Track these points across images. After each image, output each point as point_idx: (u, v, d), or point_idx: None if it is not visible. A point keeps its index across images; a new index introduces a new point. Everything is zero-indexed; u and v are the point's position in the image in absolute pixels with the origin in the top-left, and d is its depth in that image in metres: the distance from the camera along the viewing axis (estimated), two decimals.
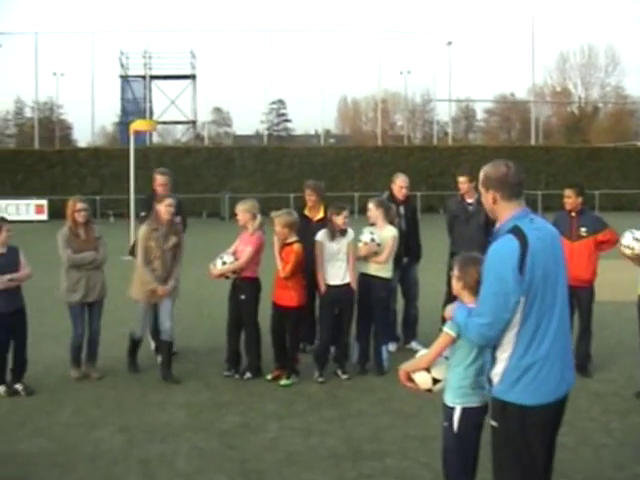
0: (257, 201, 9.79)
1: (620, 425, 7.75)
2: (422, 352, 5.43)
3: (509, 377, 4.46)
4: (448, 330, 4.98)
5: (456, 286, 5.15)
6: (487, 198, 4.68)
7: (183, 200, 11.12)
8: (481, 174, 4.73)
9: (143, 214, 10.35)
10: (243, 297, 9.50)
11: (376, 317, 9.83)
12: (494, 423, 4.62)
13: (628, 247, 8.67)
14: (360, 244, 9.53)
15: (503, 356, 4.49)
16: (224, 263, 9.41)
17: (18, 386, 8.95)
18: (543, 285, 4.40)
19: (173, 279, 9.59)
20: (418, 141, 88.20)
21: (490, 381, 4.62)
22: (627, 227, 8.88)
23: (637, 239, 8.54)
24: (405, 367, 5.31)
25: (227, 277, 9.51)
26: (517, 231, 4.41)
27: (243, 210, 9.56)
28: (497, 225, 4.68)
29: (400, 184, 10.87)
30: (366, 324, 9.82)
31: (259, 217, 9.59)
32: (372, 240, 9.46)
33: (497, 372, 4.54)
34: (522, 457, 4.53)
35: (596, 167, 48.83)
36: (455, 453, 5.17)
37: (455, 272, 5.15)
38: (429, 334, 10.86)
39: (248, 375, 9.54)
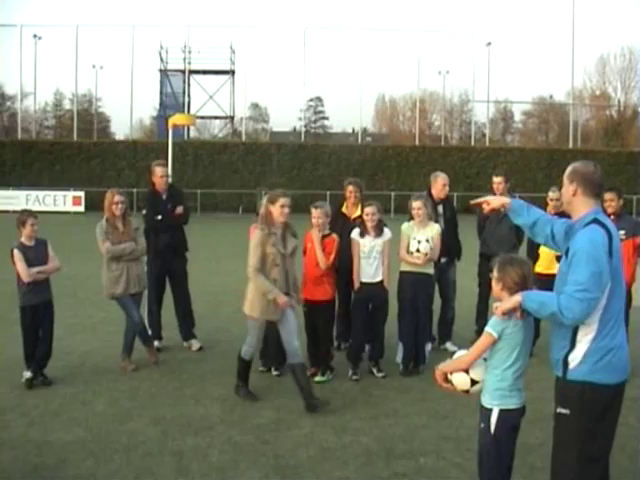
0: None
1: None
2: (460, 353, 5.39)
3: (593, 358, 4.74)
4: (491, 331, 4.95)
5: (495, 287, 5.12)
6: (568, 190, 5.00)
7: (183, 190, 11.26)
8: (569, 168, 5.06)
9: (144, 212, 10.52)
10: None
11: (422, 314, 9.82)
12: (564, 411, 4.85)
13: None
14: (417, 253, 9.51)
15: (586, 338, 4.76)
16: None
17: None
18: (621, 273, 4.80)
19: (297, 289, 8.89)
20: (455, 142, 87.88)
21: (566, 364, 4.84)
22: None
23: None
24: (443, 367, 5.29)
25: None
26: (599, 222, 4.81)
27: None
28: (574, 218, 5.02)
29: (443, 182, 10.81)
30: (411, 323, 9.77)
31: None
32: (425, 246, 9.49)
33: (577, 355, 4.80)
34: (591, 443, 4.80)
35: (634, 172, 48.41)
36: (491, 455, 5.14)
37: (495, 273, 5.12)
38: (463, 335, 10.87)
39: (277, 372, 9.64)
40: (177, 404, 8.38)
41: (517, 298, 4.85)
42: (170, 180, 10.89)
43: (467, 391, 5.24)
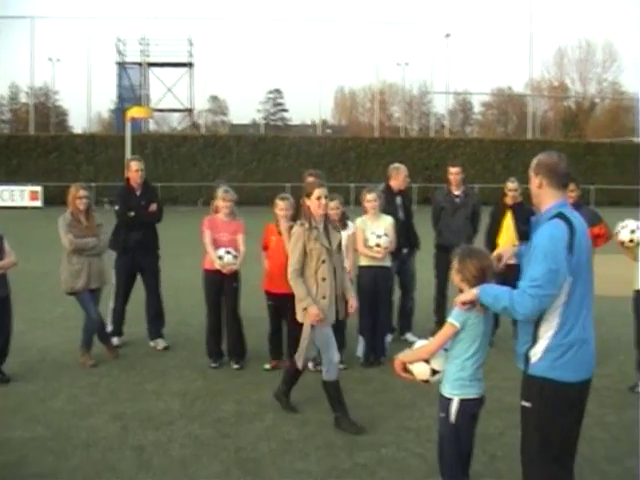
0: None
1: (615, 419, 7.76)
2: (420, 343, 5.42)
3: (552, 355, 4.70)
4: (453, 321, 4.99)
5: (455, 278, 5.17)
6: (534, 182, 4.94)
7: (158, 187, 11.12)
8: (534, 160, 5.00)
9: (117, 208, 10.38)
10: (235, 285, 9.59)
11: (382, 307, 9.88)
12: (527, 404, 4.83)
13: (630, 241, 8.64)
14: (377, 248, 9.54)
15: (547, 334, 4.72)
16: (235, 257, 9.39)
17: None
18: (585, 268, 4.73)
19: (350, 292, 8.00)
20: (415, 133, 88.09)
21: (527, 359, 4.80)
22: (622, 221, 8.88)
23: (633, 231, 8.54)
24: (403, 358, 5.31)
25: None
26: (563, 216, 4.73)
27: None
28: (541, 211, 4.93)
29: (405, 174, 10.84)
30: (371, 317, 9.82)
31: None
32: (384, 241, 9.51)
33: (538, 350, 4.76)
34: (552, 439, 4.74)
35: (592, 162, 48.95)
36: (451, 444, 5.19)
37: (455, 265, 5.15)
38: (423, 326, 10.92)
39: (237, 366, 9.59)
40: (137, 399, 8.34)
41: (474, 291, 4.89)
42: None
43: (427, 381, 5.28)
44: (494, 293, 4.81)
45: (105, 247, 9.80)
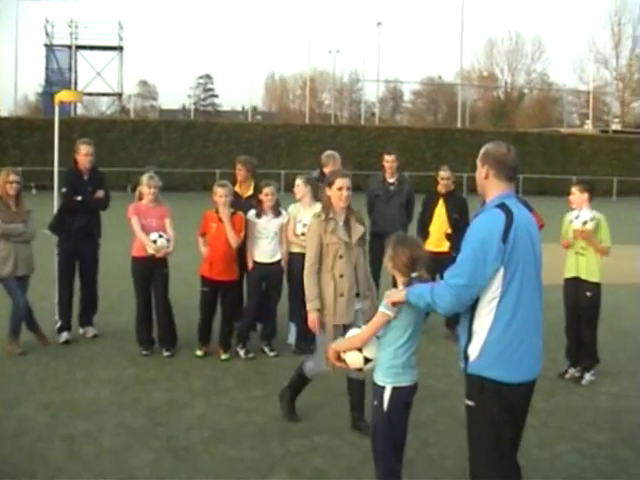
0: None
1: (544, 405, 7.87)
2: (353, 332, 5.43)
3: (489, 353, 4.51)
4: (385, 310, 4.98)
5: (388, 265, 5.17)
6: (481, 172, 4.78)
7: (104, 173, 10.86)
8: (482, 150, 4.83)
9: (64, 190, 10.05)
10: (165, 271, 9.53)
11: None
12: (470, 402, 4.65)
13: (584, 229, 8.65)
14: (302, 237, 9.49)
15: (481, 329, 4.53)
16: (168, 240, 9.31)
17: None
18: (524, 261, 4.52)
19: (370, 288, 7.27)
20: (345, 120, 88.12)
21: (466, 357, 4.63)
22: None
23: (585, 222, 8.57)
24: (337, 347, 5.32)
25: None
26: (504, 207, 4.55)
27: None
28: (487, 201, 4.76)
29: (340, 161, 10.82)
30: (301, 303, 9.80)
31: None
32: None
33: (475, 347, 4.58)
34: (499, 436, 4.56)
35: (521, 152, 48.49)
36: (384, 431, 5.19)
37: (387, 252, 5.16)
38: None
39: (168, 353, 9.50)
40: (67, 388, 8.20)
41: (402, 294, 4.87)
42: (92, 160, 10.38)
43: (360, 369, 5.29)
44: (418, 292, 4.74)
45: (34, 234, 9.57)
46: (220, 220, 9.22)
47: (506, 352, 4.49)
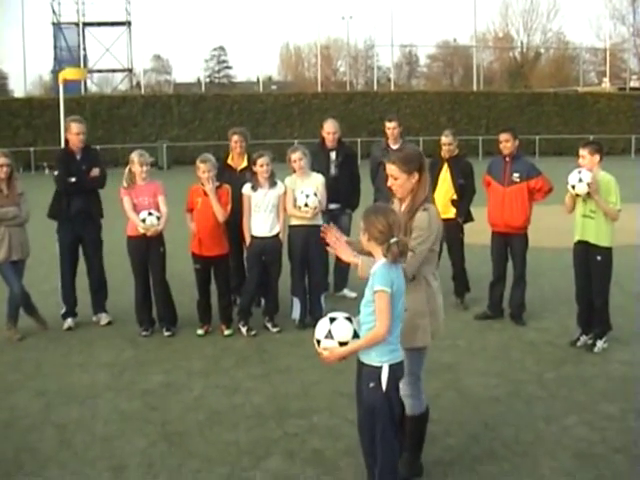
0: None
1: (553, 376, 7.62)
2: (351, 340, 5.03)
3: None
4: (383, 288, 4.67)
5: (362, 239, 4.86)
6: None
7: (99, 150, 10.57)
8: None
9: (57, 173, 9.71)
10: (162, 249, 9.34)
11: (316, 268, 9.70)
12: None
13: (572, 186, 8.30)
14: (305, 208, 9.28)
15: None
16: (158, 217, 9.09)
17: None
18: None
19: None
20: (361, 87, 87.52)
21: None
22: (567, 172, 8.55)
23: (581, 180, 8.22)
24: (343, 353, 4.94)
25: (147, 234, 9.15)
26: None
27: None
28: None
29: (328, 130, 10.63)
30: (304, 277, 9.65)
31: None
32: (313, 200, 9.25)
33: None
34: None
35: (537, 112, 49.14)
36: (385, 412, 4.88)
37: (361, 226, 4.86)
38: (360, 281, 10.65)
39: (168, 333, 9.32)
40: (63, 373, 8.03)
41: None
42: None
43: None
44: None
45: (27, 218, 9.34)
46: (206, 194, 9.02)
47: None
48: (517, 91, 57.36)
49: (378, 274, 4.72)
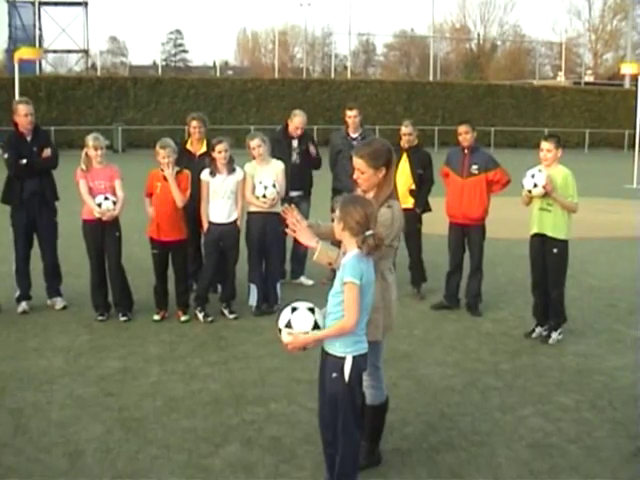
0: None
1: (509, 367, 7.72)
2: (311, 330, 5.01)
3: None
4: (353, 279, 4.66)
5: (337, 228, 4.85)
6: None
7: (50, 131, 10.39)
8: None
9: (6, 156, 9.50)
10: (118, 234, 9.27)
11: (273, 254, 9.74)
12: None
13: (528, 190, 8.37)
14: (263, 199, 9.27)
15: None
16: (114, 202, 9.01)
17: None
18: None
19: None
20: (317, 74, 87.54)
21: None
22: (521, 164, 8.65)
23: (536, 185, 8.28)
24: (306, 341, 4.92)
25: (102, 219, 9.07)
26: None
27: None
28: None
29: (297, 125, 10.66)
30: (260, 264, 9.64)
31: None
32: (272, 192, 9.24)
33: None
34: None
35: (493, 104, 49.49)
36: (347, 403, 4.88)
37: (337, 213, 4.85)
38: (317, 269, 10.65)
39: (124, 318, 9.25)
40: (18, 357, 7.92)
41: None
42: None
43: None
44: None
45: None
46: (165, 179, 8.99)
47: None
48: (474, 82, 57.69)
49: (349, 266, 4.71)
